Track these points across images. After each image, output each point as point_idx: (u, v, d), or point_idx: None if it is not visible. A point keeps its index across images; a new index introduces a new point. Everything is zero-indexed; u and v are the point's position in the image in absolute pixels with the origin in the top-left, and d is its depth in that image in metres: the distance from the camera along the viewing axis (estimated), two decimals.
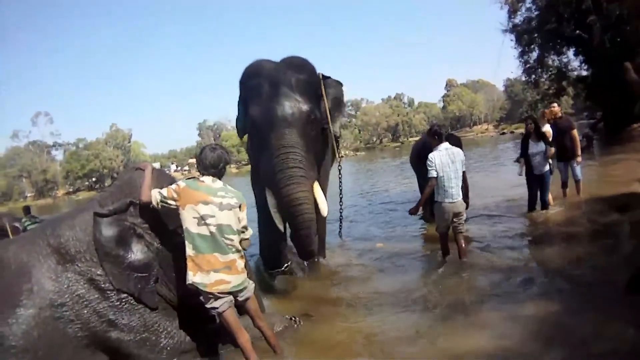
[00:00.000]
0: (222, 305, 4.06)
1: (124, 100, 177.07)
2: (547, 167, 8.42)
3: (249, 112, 5.96)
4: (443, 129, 7.07)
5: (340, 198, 7.75)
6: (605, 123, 23.66)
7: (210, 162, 4.26)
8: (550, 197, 8.82)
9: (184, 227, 4.09)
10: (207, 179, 4.25)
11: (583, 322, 4.40)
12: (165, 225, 4.45)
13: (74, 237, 4.28)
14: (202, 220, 4.05)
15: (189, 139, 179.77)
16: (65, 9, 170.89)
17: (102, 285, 4.20)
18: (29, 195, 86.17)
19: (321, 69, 6.40)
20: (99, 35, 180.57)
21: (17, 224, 10.13)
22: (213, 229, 4.05)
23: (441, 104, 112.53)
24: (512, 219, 8.90)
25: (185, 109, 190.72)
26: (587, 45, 21.30)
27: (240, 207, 4.27)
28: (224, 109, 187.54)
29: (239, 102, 6.49)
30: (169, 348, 4.34)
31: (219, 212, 4.10)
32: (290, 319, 5.15)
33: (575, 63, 25.36)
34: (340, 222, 8.31)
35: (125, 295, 4.23)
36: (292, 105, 5.76)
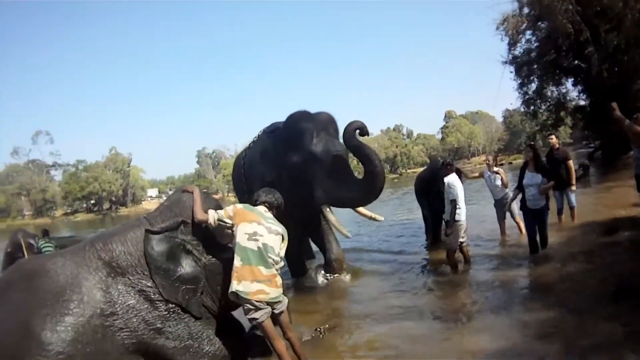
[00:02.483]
0: (262, 316, 4.51)
1: (124, 124, 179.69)
2: (543, 202, 7.81)
3: (307, 147, 7.29)
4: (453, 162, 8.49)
5: None
6: (603, 152, 23.99)
7: (265, 199, 4.96)
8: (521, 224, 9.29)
9: (235, 242, 4.59)
10: (261, 208, 4.89)
11: (575, 323, 5.01)
12: (212, 243, 4.86)
13: (126, 251, 4.57)
14: (252, 236, 4.57)
15: (188, 166, 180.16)
16: (70, 28, 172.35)
17: (152, 296, 4.49)
18: (27, 213, 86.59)
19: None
20: (103, 58, 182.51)
21: (31, 241, 10.23)
22: (260, 245, 4.56)
23: (440, 136, 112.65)
24: (510, 242, 9.59)
25: (184, 136, 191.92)
26: (585, 75, 21.57)
27: (283, 238, 4.81)
28: (223, 138, 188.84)
29: (275, 141, 7.85)
30: (210, 354, 4.61)
31: (267, 234, 4.66)
32: (316, 329, 5.63)
33: (573, 93, 25.60)
34: None
35: (173, 305, 4.53)
36: (340, 144, 7.41)
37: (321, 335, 5.58)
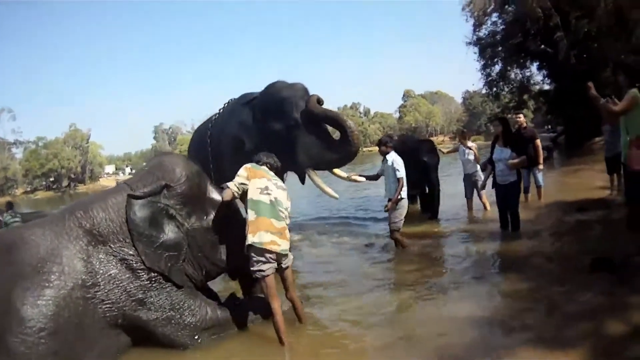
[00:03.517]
0: (268, 269, 4.62)
1: (84, 99, 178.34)
2: (512, 177, 7.79)
3: (291, 115, 7.62)
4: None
5: None
6: (566, 136, 24.37)
7: (267, 160, 5.14)
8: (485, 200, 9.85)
9: (248, 198, 4.72)
10: (264, 167, 5.08)
11: (554, 293, 5.26)
12: (196, 207, 4.87)
13: (107, 218, 4.48)
14: (264, 190, 4.77)
15: (145, 142, 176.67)
16: (30, 8, 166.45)
17: (134, 265, 4.44)
18: None
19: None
20: (62, 34, 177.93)
21: None
22: (272, 198, 4.77)
23: (397, 115, 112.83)
24: (479, 219, 9.99)
25: (141, 111, 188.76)
26: (551, 60, 21.60)
27: (287, 193, 5.06)
28: (180, 113, 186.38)
29: (254, 111, 8.06)
30: (191, 325, 4.60)
31: (276, 189, 4.88)
32: None
33: (537, 77, 25.90)
34: None
35: (155, 274, 4.49)
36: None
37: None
